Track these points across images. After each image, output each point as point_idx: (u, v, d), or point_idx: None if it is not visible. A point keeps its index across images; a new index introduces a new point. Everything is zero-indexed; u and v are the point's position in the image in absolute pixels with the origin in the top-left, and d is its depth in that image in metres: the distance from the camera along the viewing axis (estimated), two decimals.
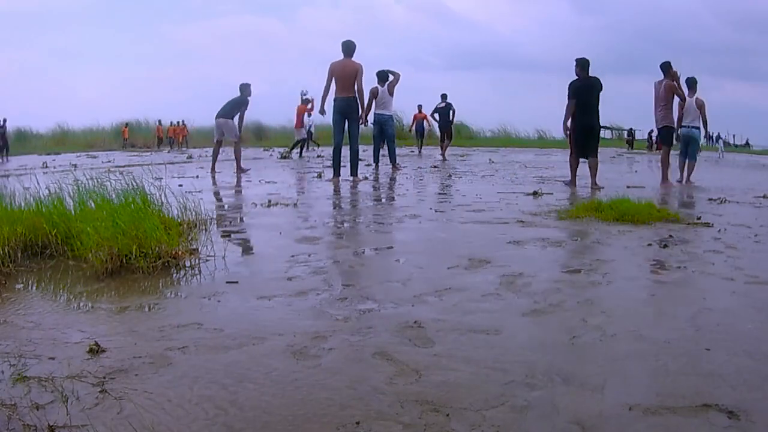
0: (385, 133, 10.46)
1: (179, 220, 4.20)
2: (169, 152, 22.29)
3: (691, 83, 9.04)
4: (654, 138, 21.34)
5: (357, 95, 8.19)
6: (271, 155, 17.78)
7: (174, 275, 3.25)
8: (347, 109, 8.22)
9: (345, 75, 8.16)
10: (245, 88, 10.37)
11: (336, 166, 8.51)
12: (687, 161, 9.30)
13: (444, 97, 15.53)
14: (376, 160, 10.92)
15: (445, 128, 15.76)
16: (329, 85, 8.22)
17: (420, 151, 18.56)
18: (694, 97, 9.02)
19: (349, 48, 8.26)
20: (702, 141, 10.35)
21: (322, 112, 8.71)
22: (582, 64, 8.01)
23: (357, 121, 8.40)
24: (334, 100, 8.30)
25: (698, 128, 9.16)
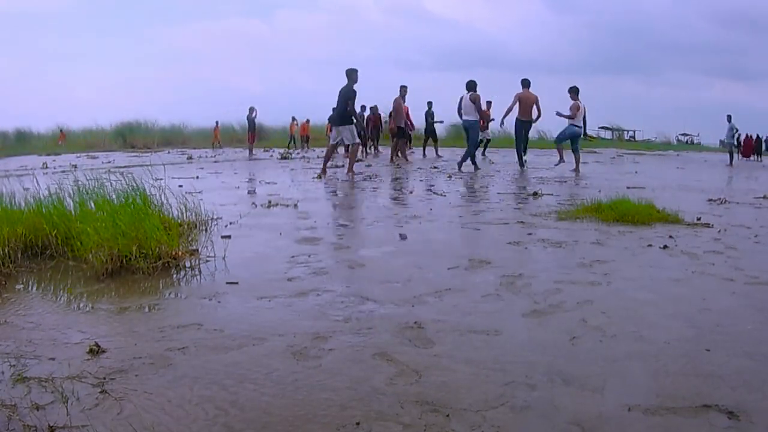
0: (469, 138, 11.47)
1: (179, 221, 4.20)
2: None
3: None
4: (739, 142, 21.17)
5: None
6: (271, 156, 17.78)
7: (174, 276, 3.25)
8: (528, 127, 12.37)
9: (528, 103, 11.79)
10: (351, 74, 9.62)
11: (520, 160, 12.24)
12: None
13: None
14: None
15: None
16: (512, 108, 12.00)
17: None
18: None
19: (527, 82, 11.82)
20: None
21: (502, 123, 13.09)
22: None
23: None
24: (521, 121, 12.01)
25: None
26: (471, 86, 11.46)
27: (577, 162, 11.71)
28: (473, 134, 11.51)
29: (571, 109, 11.89)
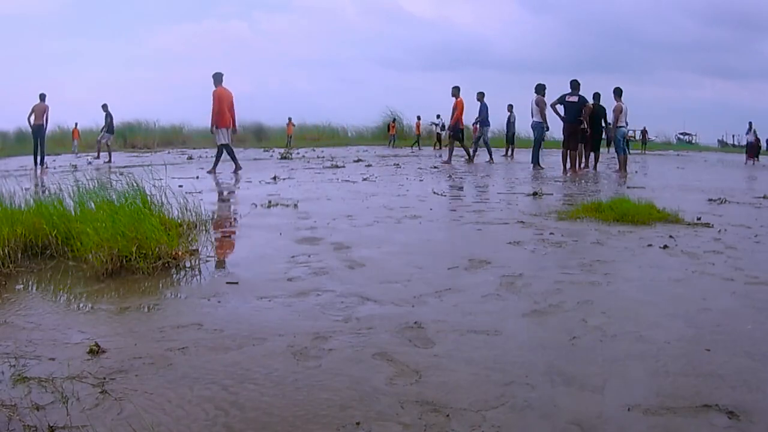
0: (534, 137, 12.67)
1: (179, 221, 4.20)
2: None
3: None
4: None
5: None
6: (271, 156, 17.78)
7: (174, 276, 3.25)
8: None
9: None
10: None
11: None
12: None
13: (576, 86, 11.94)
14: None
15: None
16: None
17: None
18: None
19: (539, 88, 12.38)
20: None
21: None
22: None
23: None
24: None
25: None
26: (539, 89, 12.40)
27: (624, 162, 12.11)
28: (535, 134, 12.50)
29: (614, 111, 12.15)
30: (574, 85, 11.48)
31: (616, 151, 12.34)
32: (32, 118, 13.87)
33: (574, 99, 11.56)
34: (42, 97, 14.00)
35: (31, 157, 13.89)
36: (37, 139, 13.72)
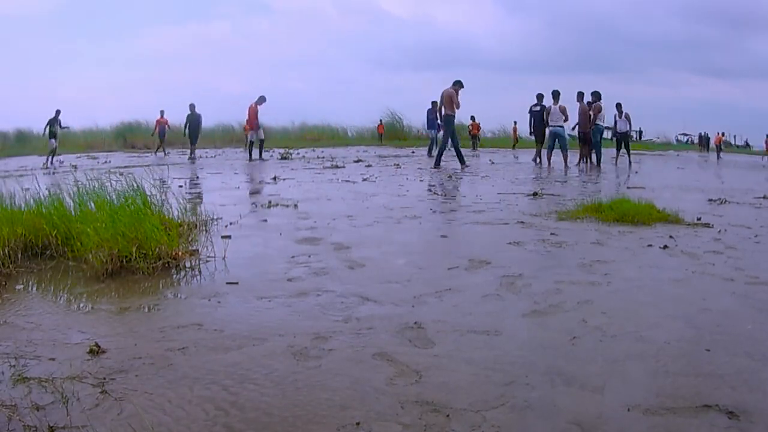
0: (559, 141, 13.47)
1: (179, 221, 4.20)
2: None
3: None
4: None
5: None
6: (271, 156, 17.77)
7: (174, 276, 3.25)
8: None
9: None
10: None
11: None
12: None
13: (540, 98, 14.27)
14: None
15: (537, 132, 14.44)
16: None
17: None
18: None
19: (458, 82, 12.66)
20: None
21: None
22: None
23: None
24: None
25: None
26: (554, 94, 13.34)
27: (565, 159, 13.00)
28: (562, 140, 13.27)
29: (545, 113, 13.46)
30: (539, 97, 14.16)
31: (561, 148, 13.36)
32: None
33: (537, 108, 14.21)
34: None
35: (30, 157, 13.88)
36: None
